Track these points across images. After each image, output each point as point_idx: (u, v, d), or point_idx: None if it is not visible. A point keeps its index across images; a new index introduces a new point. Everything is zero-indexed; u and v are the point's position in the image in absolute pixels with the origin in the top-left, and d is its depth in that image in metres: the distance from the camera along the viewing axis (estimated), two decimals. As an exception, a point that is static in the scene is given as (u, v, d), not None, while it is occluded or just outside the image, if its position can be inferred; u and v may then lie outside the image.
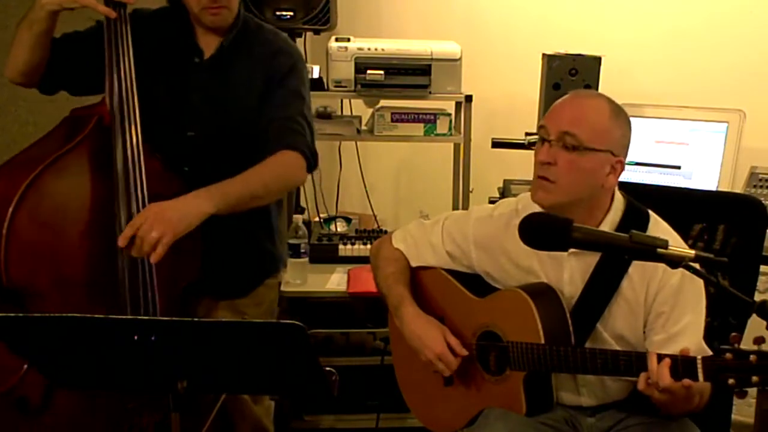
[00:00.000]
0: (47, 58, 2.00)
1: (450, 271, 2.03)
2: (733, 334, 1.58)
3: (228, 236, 2.09)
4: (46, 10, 1.88)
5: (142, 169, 1.93)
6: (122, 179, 1.90)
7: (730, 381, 1.53)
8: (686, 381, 1.57)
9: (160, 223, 1.79)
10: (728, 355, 1.54)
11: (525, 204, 1.90)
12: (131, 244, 1.81)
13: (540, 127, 1.82)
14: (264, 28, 2.23)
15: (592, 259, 1.82)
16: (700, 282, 1.78)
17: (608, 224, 1.82)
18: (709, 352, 1.72)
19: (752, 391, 1.62)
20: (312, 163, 2.11)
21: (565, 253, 1.83)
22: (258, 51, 2.15)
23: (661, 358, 1.60)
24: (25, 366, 1.86)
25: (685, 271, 1.67)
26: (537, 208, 1.84)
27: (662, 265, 1.72)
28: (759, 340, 1.52)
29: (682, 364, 1.59)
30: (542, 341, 1.77)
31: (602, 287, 1.82)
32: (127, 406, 1.95)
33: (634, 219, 1.82)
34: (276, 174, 2.03)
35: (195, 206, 1.85)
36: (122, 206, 1.90)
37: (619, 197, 1.86)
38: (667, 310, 1.78)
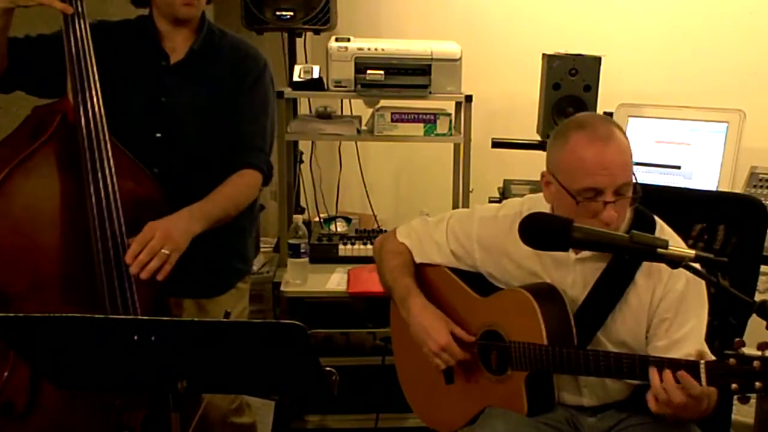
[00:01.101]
0: (4, 56, 2.00)
1: (453, 270, 2.03)
2: (737, 339, 1.57)
3: (198, 237, 2.09)
4: (0, 7, 1.88)
5: (111, 161, 1.92)
6: (90, 172, 1.89)
7: (734, 386, 1.53)
8: (689, 382, 1.57)
9: (170, 241, 1.88)
10: (732, 361, 1.53)
11: (530, 206, 1.89)
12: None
13: (585, 189, 1.71)
14: (227, 33, 2.28)
15: (598, 266, 1.82)
16: (704, 288, 1.78)
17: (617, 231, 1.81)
18: (711, 357, 1.72)
19: (752, 392, 1.63)
20: (268, 178, 2.23)
21: (572, 259, 1.84)
22: (226, 55, 2.21)
23: (661, 368, 1.60)
24: (6, 373, 1.85)
25: (690, 277, 1.68)
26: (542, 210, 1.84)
27: (667, 272, 1.73)
28: (763, 346, 1.52)
29: (686, 369, 1.59)
30: (545, 342, 1.77)
31: (606, 295, 1.81)
32: (114, 403, 1.94)
33: (641, 225, 1.81)
34: (243, 195, 2.17)
35: (190, 227, 1.95)
36: (94, 200, 1.89)
37: None
38: (671, 316, 1.78)
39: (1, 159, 1.87)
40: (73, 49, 1.92)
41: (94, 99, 1.92)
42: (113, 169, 1.92)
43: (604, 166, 1.70)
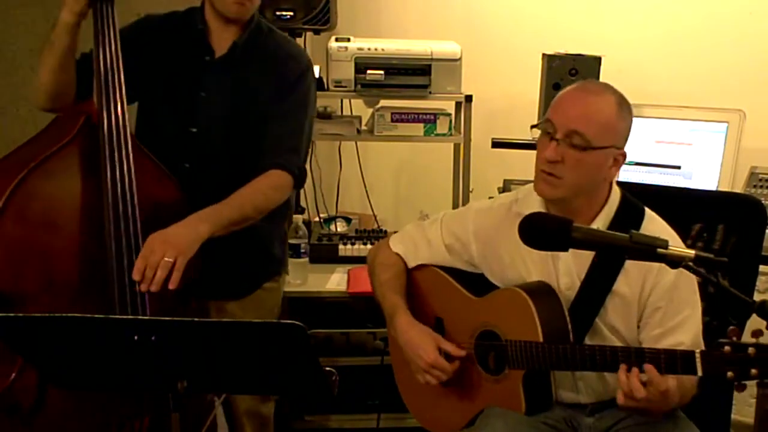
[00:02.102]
0: (74, 80, 2.00)
1: (448, 271, 2.03)
2: (732, 327, 1.58)
3: (225, 238, 2.08)
4: (74, 12, 1.88)
5: (131, 164, 1.91)
6: (109, 174, 1.89)
7: (729, 374, 1.54)
8: (662, 383, 1.59)
9: (171, 247, 1.82)
10: (727, 348, 1.54)
11: (525, 193, 1.91)
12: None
13: (546, 120, 1.79)
14: (275, 32, 2.25)
15: (590, 252, 1.81)
16: (694, 278, 1.79)
17: (604, 217, 1.83)
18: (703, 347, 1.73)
19: (752, 390, 1.63)
20: (299, 182, 2.17)
21: None
22: (270, 53, 2.17)
23: (650, 362, 1.62)
24: (14, 374, 1.85)
25: (680, 270, 1.67)
26: (537, 198, 1.85)
27: (657, 264, 1.74)
28: (757, 333, 1.53)
29: (681, 359, 1.60)
30: (541, 339, 1.78)
31: (600, 280, 1.82)
32: (121, 411, 1.94)
33: (629, 213, 1.83)
34: (266, 197, 2.08)
35: (195, 230, 1.89)
36: (111, 203, 1.88)
37: (616, 190, 1.87)
38: (664, 305, 1.79)
39: (24, 158, 1.87)
40: (101, 58, 1.91)
41: (118, 102, 1.92)
42: (132, 173, 1.91)
43: (568, 105, 1.77)
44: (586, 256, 1.83)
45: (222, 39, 2.15)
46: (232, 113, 2.14)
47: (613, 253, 1.73)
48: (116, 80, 1.93)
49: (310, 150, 3.49)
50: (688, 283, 1.80)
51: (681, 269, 1.72)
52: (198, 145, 2.14)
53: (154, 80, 2.11)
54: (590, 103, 1.78)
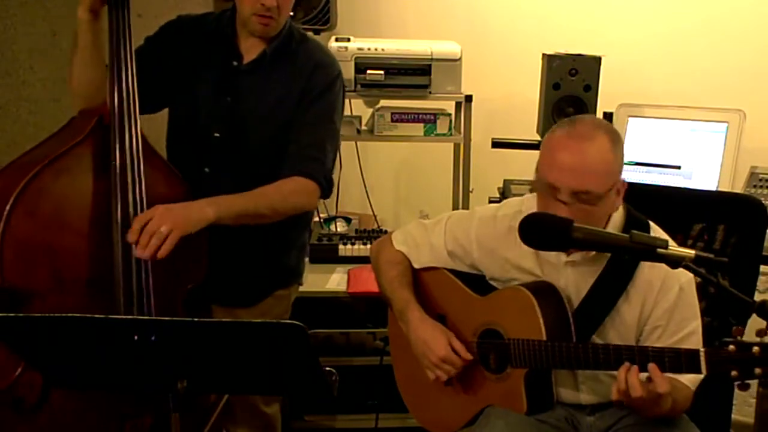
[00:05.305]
0: (104, 79, 1.97)
1: (451, 270, 2.03)
2: (736, 327, 1.59)
3: (238, 245, 2.09)
4: (86, 7, 1.88)
5: (141, 166, 1.91)
6: (119, 176, 1.88)
7: (733, 373, 1.54)
8: (656, 388, 1.59)
9: (169, 219, 1.81)
10: (731, 347, 1.54)
11: (529, 206, 1.89)
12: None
13: (548, 184, 1.72)
14: (308, 41, 2.22)
15: (589, 272, 1.83)
16: (695, 299, 1.80)
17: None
18: None
19: (753, 390, 1.63)
20: (326, 191, 2.13)
21: (562, 262, 1.84)
22: (299, 63, 2.15)
23: (654, 360, 1.62)
24: (20, 369, 1.85)
25: (682, 286, 1.71)
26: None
27: (658, 285, 1.76)
28: (762, 333, 1.53)
29: (686, 357, 1.60)
30: (544, 338, 1.78)
31: (602, 300, 1.82)
32: (123, 410, 1.94)
33: (634, 227, 1.81)
34: (284, 197, 2.05)
35: (198, 210, 1.88)
36: (118, 204, 1.88)
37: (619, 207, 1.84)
38: (663, 324, 1.80)
39: (36, 157, 1.88)
40: (116, 93, 1.90)
41: (133, 131, 1.91)
42: (143, 176, 1.91)
43: (565, 165, 1.70)
44: (590, 276, 1.83)
45: (251, 45, 2.13)
46: (257, 120, 2.13)
47: (616, 273, 1.75)
48: (132, 110, 1.91)
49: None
50: (688, 302, 1.80)
51: (682, 292, 1.73)
52: (220, 151, 2.13)
53: (181, 83, 2.10)
54: (586, 154, 1.69)
